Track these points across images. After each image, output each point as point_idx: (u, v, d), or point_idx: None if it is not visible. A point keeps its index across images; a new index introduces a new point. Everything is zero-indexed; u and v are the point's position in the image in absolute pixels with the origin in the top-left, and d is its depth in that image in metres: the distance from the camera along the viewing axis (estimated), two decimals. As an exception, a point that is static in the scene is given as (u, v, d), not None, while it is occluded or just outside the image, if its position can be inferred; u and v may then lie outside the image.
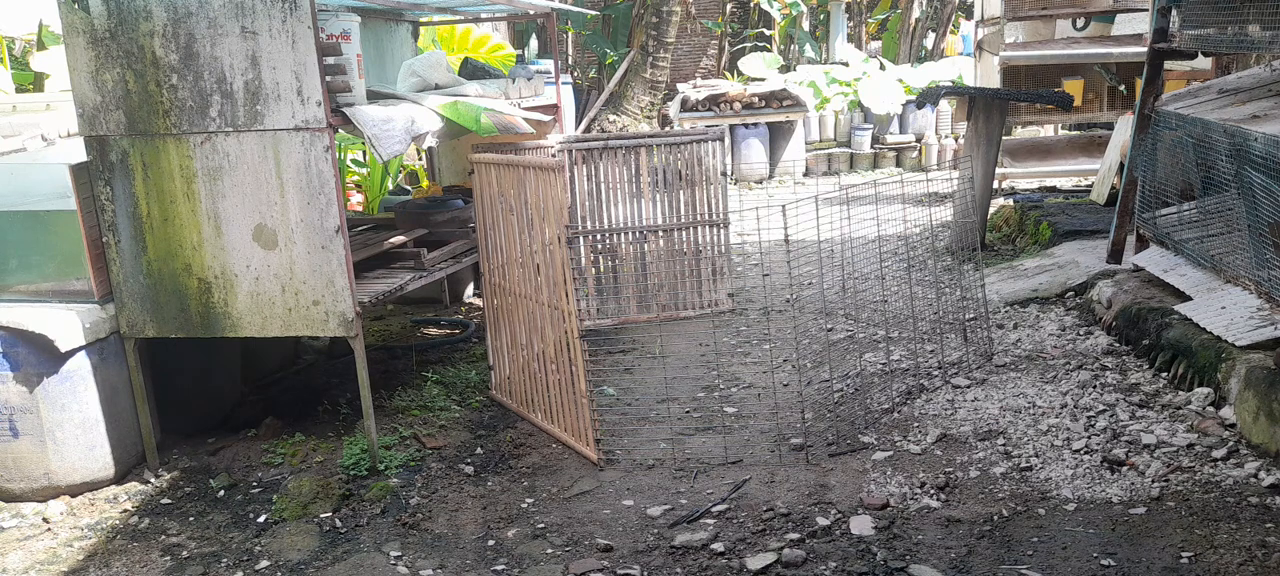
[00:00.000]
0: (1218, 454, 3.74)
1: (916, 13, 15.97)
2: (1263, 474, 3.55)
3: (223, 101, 3.85)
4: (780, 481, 3.87)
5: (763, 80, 13.26)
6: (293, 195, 3.90)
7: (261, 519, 3.83)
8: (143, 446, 4.27)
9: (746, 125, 11.86)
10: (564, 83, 9.90)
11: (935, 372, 4.81)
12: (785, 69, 14.51)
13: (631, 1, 14.70)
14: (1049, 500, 3.56)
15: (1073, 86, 9.01)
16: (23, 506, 4.00)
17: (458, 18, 6.92)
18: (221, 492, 4.07)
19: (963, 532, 3.40)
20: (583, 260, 6.18)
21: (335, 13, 4.40)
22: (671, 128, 11.82)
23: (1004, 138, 8.26)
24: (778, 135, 12.08)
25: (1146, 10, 7.79)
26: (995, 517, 3.48)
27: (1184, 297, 4.83)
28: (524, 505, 3.84)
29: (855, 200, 4.47)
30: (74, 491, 4.07)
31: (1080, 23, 9.86)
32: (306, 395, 5.08)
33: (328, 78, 3.85)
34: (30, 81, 7.45)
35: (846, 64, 13.79)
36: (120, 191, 4.02)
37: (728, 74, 15.38)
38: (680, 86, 13.06)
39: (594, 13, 14.29)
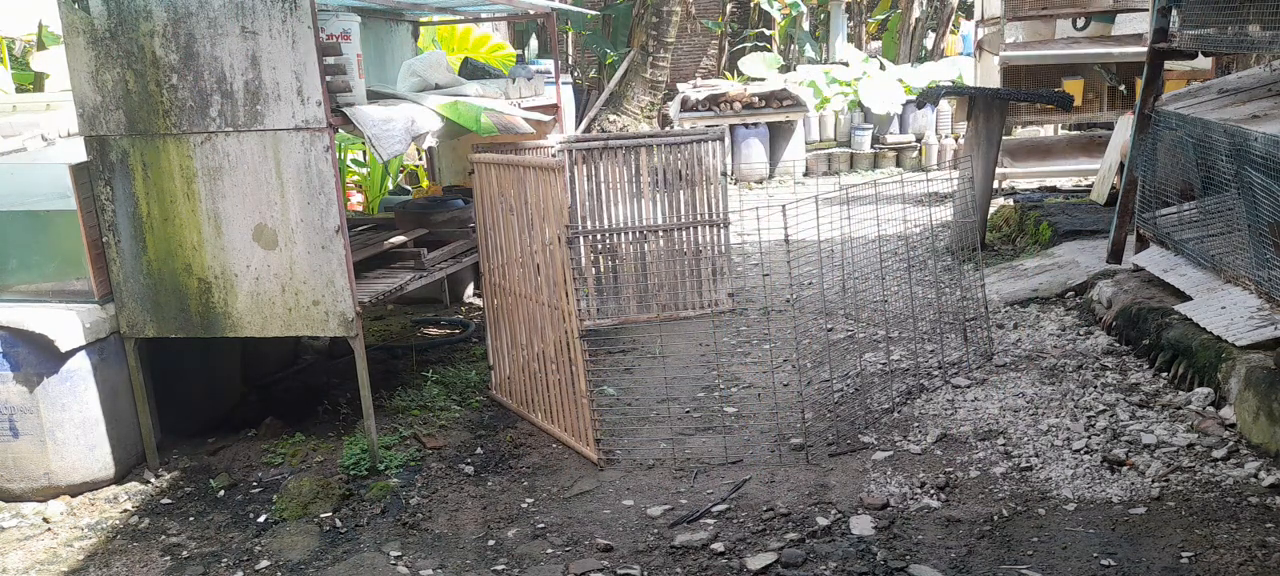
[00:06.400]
0: (1218, 454, 3.74)
1: (916, 13, 15.97)
2: (1263, 474, 3.55)
3: (223, 101, 3.85)
4: (780, 481, 3.87)
5: (763, 80, 13.26)
6: (293, 195, 3.90)
7: (261, 519, 3.83)
8: (143, 446, 4.27)
9: (746, 125, 11.86)
10: (564, 83, 9.90)
11: (935, 372, 4.81)
12: (785, 69, 14.51)
13: (631, 1, 14.70)
14: (1049, 500, 3.56)
15: (1073, 86, 9.01)
16: (23, 506, 4.00)
17: (458, 18, 6.92)
18: (221, 492, 4.07)
19: (963, 532, 3.40)
20: (583, 260, 6.18)
21: (335, 13, 4.40)
22: (671, 128, 11.82)
23: (1004, 138, 8.26)
24: (778, 135, 12.08)
25: (1146, 10, 7.79)
26: (995, 517, 3.48)
27: (1184, 297, 4.83)
28: (524, 505, 3.84)
29: (855, 200, 4.47)
30: (74, 491, 4.07)
31: (1080, 23, 9.86)
32: (306, 395, 5.09)
33: (328, 78, 3.85)
34: (30, 81, 7.45)
35: (846, 64, 13.79)
36: (120, 191, 4.02)
37: (728, 74, 15.38)
38: (680, 86, 13.07)
39: (594, 13, 14.29)
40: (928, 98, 8.14)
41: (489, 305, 4.89)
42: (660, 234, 6.26)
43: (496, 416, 4.75)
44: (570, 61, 15.65)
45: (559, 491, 3.94)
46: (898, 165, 12.38)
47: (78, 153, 4.09)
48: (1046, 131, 10.98)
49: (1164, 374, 4.53)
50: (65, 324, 3.93)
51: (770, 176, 12.09)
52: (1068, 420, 4.17)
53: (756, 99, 11.88)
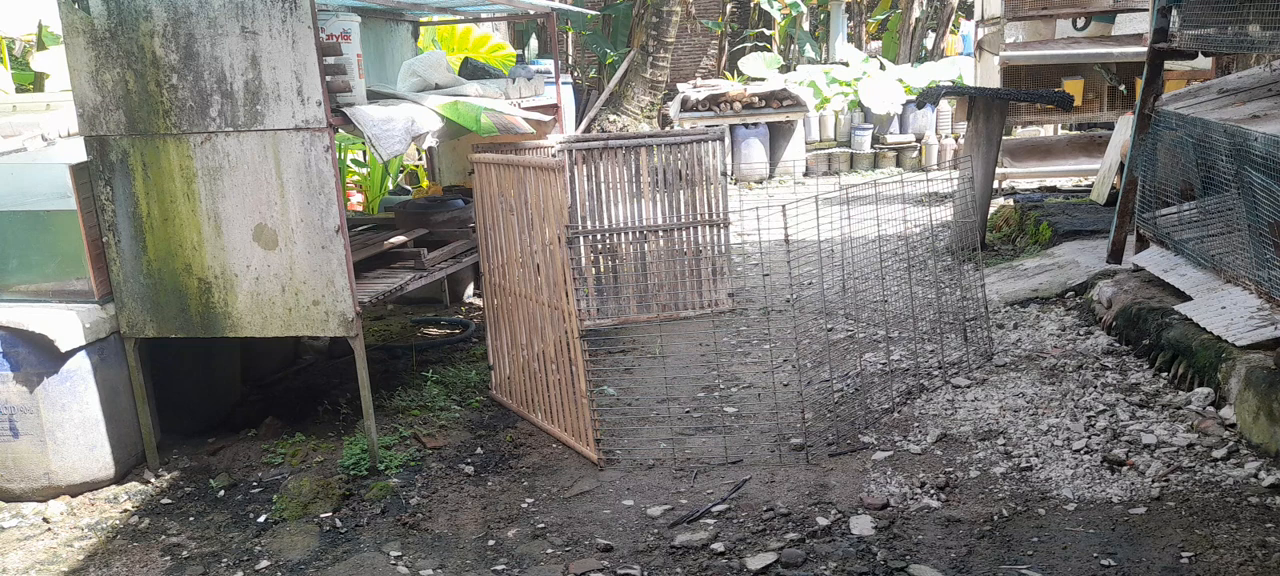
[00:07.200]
0: (1218, 454, 3.74)
1: (916, 13, 15.98)
2: (1263, 474, 3.55)
3: (223, 101, 3.85)
4: (780, 481, 3.87)
5: (763, 80, 13.26)
6: (293, 195, 3.90)
7: (261, 519, 3.83)
8: (143, 446, 4.27)
9: (746, 125, 11.86)
10: (564, 83, 9.90)
11: (935, 372, 4.81)
12: (785, 69, 14.52)
13: (631, 1, 14.70)
14: (1049, 500, 3.56)
15: (1073, 86, 9.01)
16: (23, 506, 4.00)
17: (458, 18, 6.93)
18: (221, 492, 4.07)
19: (963, 532, 3.40)
20: (583, 260, 6.18)
21: (335, 13, 4.40)
22: (671, 128, 11.82)
23: (1004, 138, 8.26)
24: (778, 135, 12.08)
25: (1146, 10, 7.79)
26: (995, 517, 3.48)
27: (1184, 297, 4.83)
28: (524, 505, 3.84)
29: (855, 200, 4.47)
30: (74, 491, 4.07)
31: (1080, 23, 9.86)
32: (306, 395, 5.09)
33: (328, 78, 3.85)
34: (30, 81, 7.45)
35: (846, 64, 13.79)
36: (120, 191, 4.02)
37: (728, 74, 15.38)
38: (680, 86, 13.07)
39: (594, 13, 14.29)
40: (928, 98, 8.14)
41: (489, 305, 4.89)
42: (660, 234, 6.26)
43: (496, 416, 4.75)
44: (570, 61, 15.66)
45: (559, 491, 3.94)
46: (898, 165, 12.38)
47: (78, 153, 4.09)
48: (1046, 131, 10.98)
49: (1164, 374, 4.53)
50: (65, 324, 3.93)
51: (770, 176, 12.10)
52: (1068, 420, 4.17)
53: (756, 99, 11.89)
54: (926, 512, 3.55)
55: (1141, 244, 5.65)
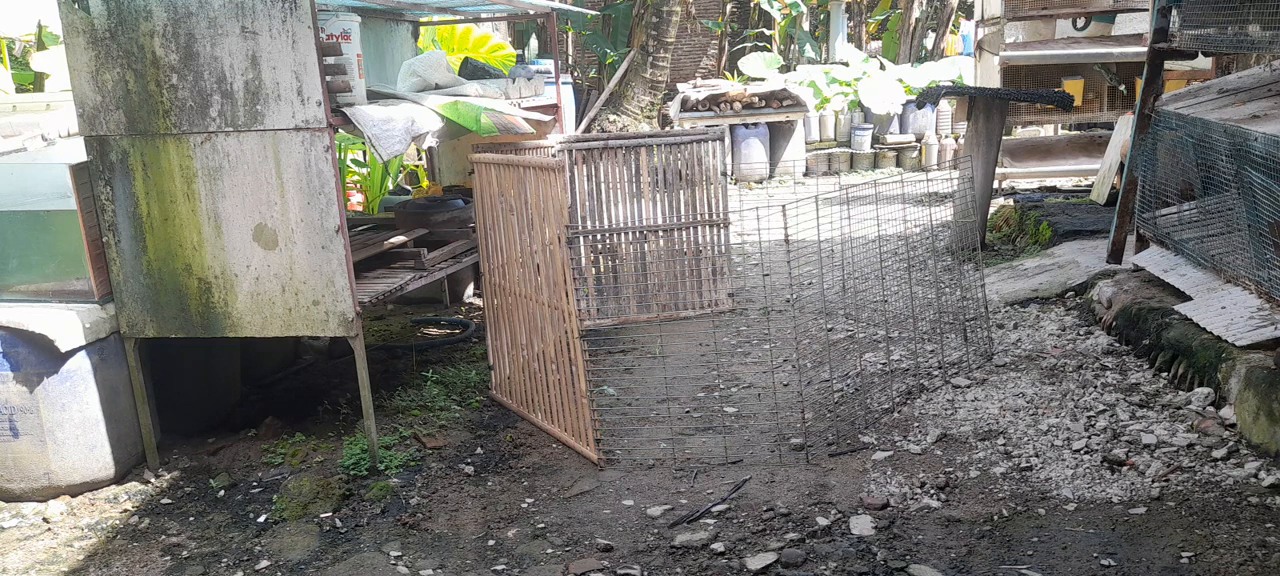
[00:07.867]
0: (1218, 454, 3.74)
1: (916, 13, 15.98)
2: (1263, 474, 3.55)
3: (223, 101, 3.85)
4: (780, 481, 3.87)
5: (763, 80, 13.26)
6: (293, 195, 3.90)
7: (261, 519, 3.83)
8: (143, 446, 4.27)
9: (746, 125, 11.86)
10: (564, 83, 9.90)
11: (935, 372, 4.81)
12: (785, 69, 14.51)
13: (631, 1, 14.70)
14: (1049, 500, 3.57)
15: (1073, 86, 9.01)
16: (23, 506, 4.00)
17: (458, 18, 6.93)
18: (221, 492, 4.07)
19: (963, 532, 3.40)
20: (583, 260, 6.18)
21: (335, 13, 4.40)
22: (671, 128, 11.82)
23: (1004, 138, 8.26)
24: (778, 135, 12.08)
25: (1146, 10, 7.79)
26: (995, 517, 3.48)
27: (1184, 297, 4.83)
28: (524, 505, 3.84)
29: (855, 200, 4.47)
30: (74, 491, 4.07)
31: (1080, 23, 9.86)
32: (306, 395, 5.09)
33: (328, 78, 3.85)
34: (30, 81, 7.45)
35: (846, 64, 13.79)
36: (120, 191, 4.02)
37: (728, 74, 15.38)
38: (680, 86, 13.07)
39: (594, 13, 14.29)
40: (928, 98, 8.14)
41: (489, 305, 4.89)
42: (660, 234, 6.26)
43: (496, 416, 4.75)
44: (570, 61, 15.66)
45: (559, 491, 3.94)
46: (898, 165, 12.38)
47: (78, 153, 4.09)
48: (1046, 131, 10.98)
49: (1164, 374, 4.53)
50: (65, 324, 3.93)
51: (770, 176, 12.09)
52: (1068, 420, 4.17)
53: (756, 99, 11.89)
54: (926, 512, 3.55)
55: (1141, 244, 5.65)
